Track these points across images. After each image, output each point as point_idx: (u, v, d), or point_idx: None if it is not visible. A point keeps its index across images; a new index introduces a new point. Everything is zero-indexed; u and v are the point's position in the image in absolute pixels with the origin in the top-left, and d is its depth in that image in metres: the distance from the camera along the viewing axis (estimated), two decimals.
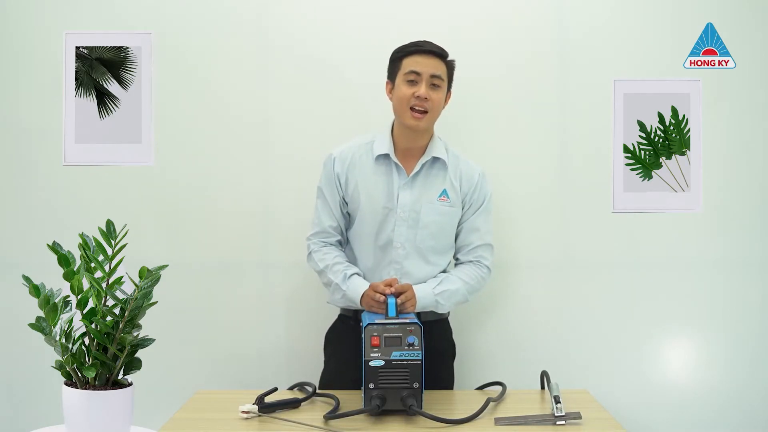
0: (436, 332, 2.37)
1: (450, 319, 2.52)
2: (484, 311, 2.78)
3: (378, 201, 2.36)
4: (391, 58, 2.38)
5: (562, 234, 2.78)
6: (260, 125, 2.76)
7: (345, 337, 2.41)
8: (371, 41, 2.67)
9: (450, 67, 2.36)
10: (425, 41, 2.34)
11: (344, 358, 2.36)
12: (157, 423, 2.02)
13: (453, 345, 2.52)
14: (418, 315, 2.24)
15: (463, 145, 2.68)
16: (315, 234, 2.41)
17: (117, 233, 1.93)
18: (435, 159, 2.38)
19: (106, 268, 1.91)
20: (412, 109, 2.29)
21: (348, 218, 2.43)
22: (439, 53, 2.32)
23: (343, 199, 2.40)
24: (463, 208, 2.42)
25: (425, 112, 2.29)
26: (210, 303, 2.77)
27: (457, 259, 2.46)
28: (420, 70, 2.29)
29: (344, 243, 2.44)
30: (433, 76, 2.29)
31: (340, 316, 2.47)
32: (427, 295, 2.29)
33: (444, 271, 2.42)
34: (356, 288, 2.27)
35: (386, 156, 2.37)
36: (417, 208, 2.35)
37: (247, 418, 1.97)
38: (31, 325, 1.89)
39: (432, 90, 2.29)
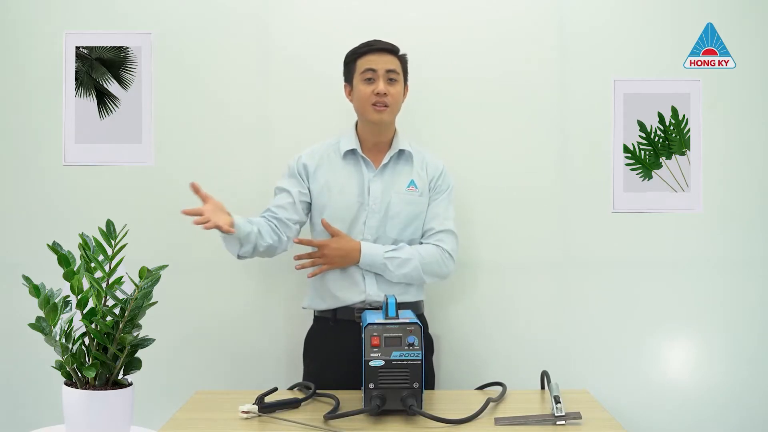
0: None
1: (450, 318, 2.52)
2: (485, 311, 2.77)
3: (351, 195, 2.41)
4: (345, 62, 2.45)
5: (562, 234, 2.78)
6: (260, 125, 2.76)
7: (323, 339, 2.44)
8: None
9: (403, 61, 2.44)
10: (375, 40, 2.41)
11: (325, 361, 2.40)
12: (157, 423, 2.02)
13: (431, 340, 2.54)
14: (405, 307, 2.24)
15: (463, 145, 2.69)
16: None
17: (117, 233, 1.93)
18: (401, 152, 2.46)
19: (106, 268, 1.91)
20: (373, 105, 2.36)
21: (305, 214, 2.45)
22: (391, 49, 2.40)
23: (309, 192, 2.43)
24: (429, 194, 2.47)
25: (387, 106, 2.36)
26: (210, 303, 2.77)
27: (420, 244, 2.48)
28: (375, 67, 2.37)
29: (287, 228, 2.40)
30: (388, 71, 2.37)
31: (315, 318, 2.50)
32: (375, 254, 2.35)
33: None
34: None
35: (353, 152, 2.44)
36: (386, 199, 2.41)
37: (247, 418, 1.97)
38: (31, 325, 1.89)
39: (390, 84, 2.37)
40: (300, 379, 2.43)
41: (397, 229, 2.41)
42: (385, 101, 2.36)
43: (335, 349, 2.37)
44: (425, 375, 2.39)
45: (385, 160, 2.43)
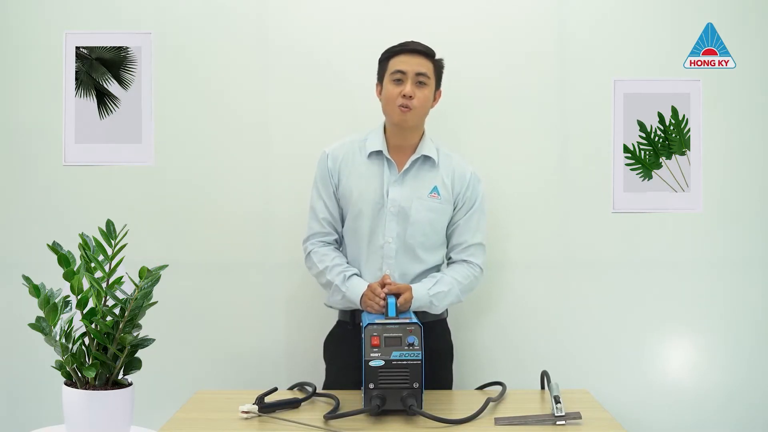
0: (435, 333, 2.37)
1: (450, 318, 2.52)
2: (485, 311, 2.78)
3: (370, 197, 2.37)
4: (379, 60, 2.41)
5: (562, 234, 2.78)
6: (260, 125, 2.76)
7: (343, 342, 2.41)
8: (372, 41, 2.66)
9: (438, 66, 2.38)
10: (412, 41, 2.37)
11: (344, 364, 2.37)
12: (157, 423, 2.02)
13: (451, 347, 2.52)
14: (417, 315, 2.24)
15: (463, 145, 2.69)
16: (313, 235, 2.42)
17: (117, 233, 1.93)
18: (426, 157, 2.40)
19: (106, 268, 1.91)
20: (399, 106, 2.31)
21: (342, 215, 2.43)
22: (425, 52, 2.35)
23: (335, 194, 2.41)
24: (455, 207, 2.42)
25: (411, 108, 2.31)
26: (210, 303, 2.77)
27: (449, 258, 2.46)
28: (405, 68, 2.32)
29: (341, 242, 2.45)
30: (418, 74, 2.32)
31: (338, 322, 2.47)
32: (422, 296, 2.29)
33: (437, 269, 2.43)
34: (356, 289, 2.28)
35: (379, 153, 2.39)
36: (407, 205, 2.36)
37: (247, 418, 1.97)
38: (31, 325, 1.89)
39: (418, 88, 2.32)
40: (300, 379, 2.42)
41: (417, 236, 2.36)
42: (411, 104, 2.31)
43: (351, 355, 2.27)
44: (442, 381, 2.40)
45: (407, 165, 2.38)
